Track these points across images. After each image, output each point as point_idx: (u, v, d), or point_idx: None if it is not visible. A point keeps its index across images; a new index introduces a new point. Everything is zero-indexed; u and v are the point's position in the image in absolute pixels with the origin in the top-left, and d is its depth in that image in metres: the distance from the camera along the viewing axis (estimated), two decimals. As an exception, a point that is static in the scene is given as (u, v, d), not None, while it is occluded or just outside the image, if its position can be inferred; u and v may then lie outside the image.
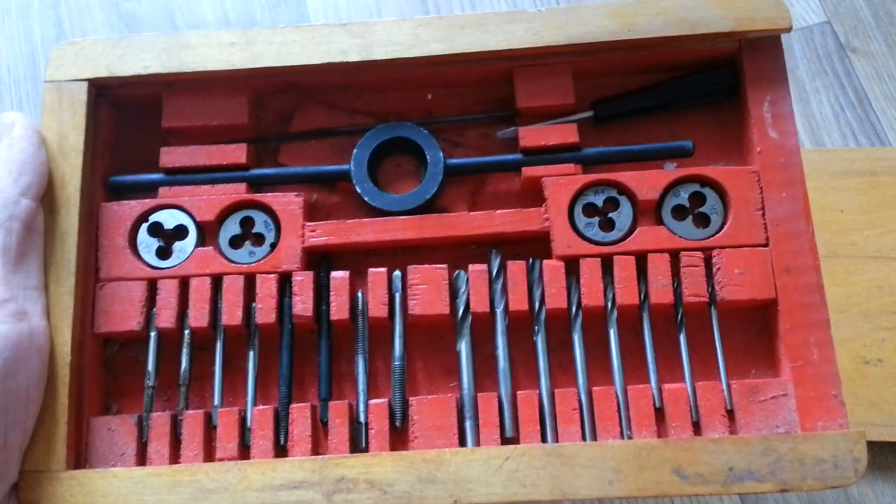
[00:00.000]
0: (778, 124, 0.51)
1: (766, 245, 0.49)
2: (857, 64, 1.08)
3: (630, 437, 0.47)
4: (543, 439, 0.48)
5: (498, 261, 0.51)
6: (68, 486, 0.46)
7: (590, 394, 0.48)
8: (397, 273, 0.51)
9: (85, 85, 0.53)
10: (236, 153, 0.53)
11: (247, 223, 0.53)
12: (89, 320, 0.51)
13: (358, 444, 0.49)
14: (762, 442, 0.45)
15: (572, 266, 0.50)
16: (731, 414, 0.47)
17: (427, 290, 0.50)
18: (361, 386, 0.50)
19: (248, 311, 0.51)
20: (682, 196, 0.51)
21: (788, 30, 0.51)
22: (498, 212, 0.51)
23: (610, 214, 0.51)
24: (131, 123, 0.56)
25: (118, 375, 0.53)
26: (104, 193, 0.54)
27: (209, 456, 0.49)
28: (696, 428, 0.47)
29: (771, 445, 0.44)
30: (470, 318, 0.50)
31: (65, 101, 0.53)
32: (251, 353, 0.51)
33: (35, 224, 0.49)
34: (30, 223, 0.48)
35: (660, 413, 0.48)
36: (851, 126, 1.05)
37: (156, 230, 0.52)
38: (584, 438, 0.47)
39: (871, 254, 0.73)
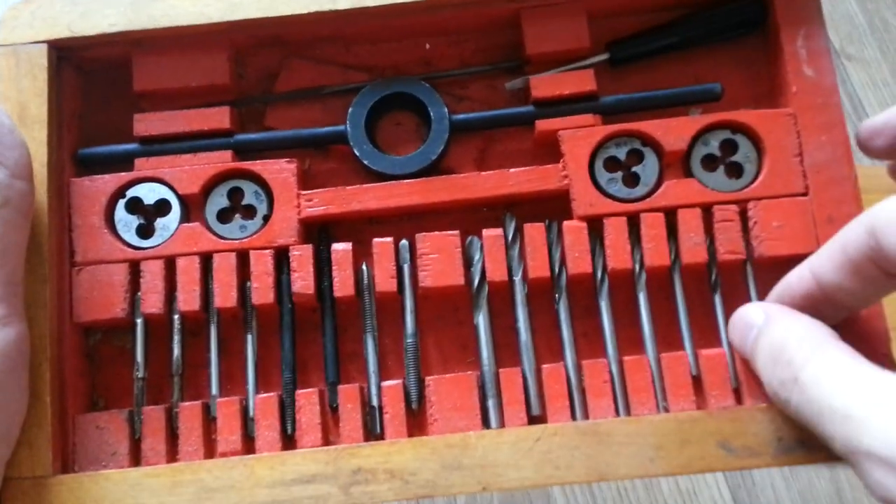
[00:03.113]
0: (814, 61, 0.46)
1: (805, 194, 0.45)
2: (852, 71, 1.06)
3: (666, 410, 0.44)
4: (573, 416, 0.44)
5: (514, 224, 0.46)
6: (57, 493, 0.42)
7: (620, 364, 0.45)
8: (405, 242, 0.47)
9: (45, 48, 0.47)
10: (219, 117, 0.48)
11: (235, 194, 0.48)
12: (67, 309, 0.46)
13: (372, 429, 0.45)
14: (813, 409, 0.41)
15: (595, 226, 0.46)
16: (775, 379, 0.44)
17: (438, 259, 0.46)
18: (372, 367, 0.46)
19: (243, 291, 0.47)
20: (712, 144, 0.47)
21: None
22: (512, 170, 0.47)
23: (634, 168, 0.47)
24: (100, 89, 0.51)
25: (103, 366, 0.48)
26: (73, 168, 0.48)
27: (210, 451, 0.45)
28: (737, 396, 0.44)
29: (822, 412, 0.41)
30: (486, 287, 0.46)
31: (23, 66, 0.47)
32: (249, 337, 0.47)
33: (28, 208, 0.43)
34: (25, 209, 0.42)
35: (697, 382, 0.44)
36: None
37: (135, 206, 0.48)
38: (616, 413, 0.44)
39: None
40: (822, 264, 0.38)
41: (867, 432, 0.32)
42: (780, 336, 0.38)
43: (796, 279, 0.40)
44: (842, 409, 0.33)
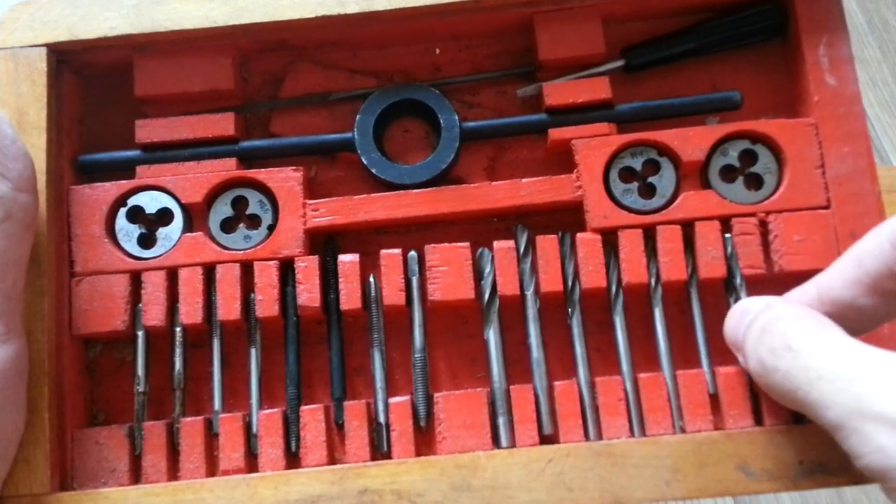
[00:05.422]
0: (836, 70, 0.45)
1: (827, 207, 0.44)
2: (852, 70, 1.06)
3: (682, 429, 0.42)
4: (586, 436, 0.43)
5: (525, 236, 0.45)
6: (55, 512, 0.41)
7: (635, 382, 0.43)
8: (413, 254, 0.46)
9: (44, 51, 0.46)
10: (223, 124, 0.47)
11: (239, 204, 0.47)
12: (66, 321, 0.45)
13: (379, 447, 0.44)
14: (836, 431, 0.40)
15: (610, 239, 0.45)
16: (795, 399, 0.43)
17: (448, 271, 0.44)
18: (379, 383, 0.45)
19: (247, 304, 0.45)
20: (731, 155, 0.45)
21: (844, -40, 0.45)
22: (524, 180, 0.45)
23: (650, 179, 0.45)
24: (100, 94, 0.50)
25: (103, 379, 0.47)
26: (73, 175, 0.47)
27: (212, 468, 0.44)
28: (757, 416, 0.42)
29: (845, 435, 0.40)
30: (497, 301, 0.45)
31: (22, 70, 0.46)
32: (253, 351, 0.45)
33: (31, 221, 0.41)
34: (28, 222, 0.41)
35: (714, 400, 0.43)
36: (846, 132, 1.04)
37: (136, 215, 0.46)
38: (631, 433, 0.42)
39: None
40: (833, 281, 0.37)
41: (877, 395, 0.31)
42: (776, 314, 0.37)
43: (799, 296, 0.39)
44: (847, 373, 0.32)
